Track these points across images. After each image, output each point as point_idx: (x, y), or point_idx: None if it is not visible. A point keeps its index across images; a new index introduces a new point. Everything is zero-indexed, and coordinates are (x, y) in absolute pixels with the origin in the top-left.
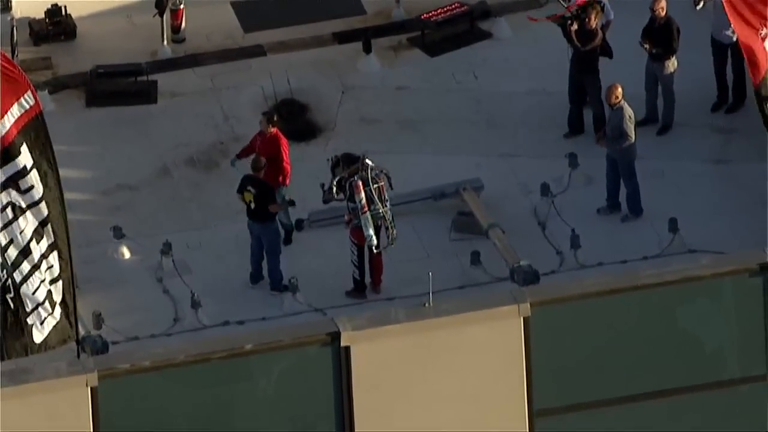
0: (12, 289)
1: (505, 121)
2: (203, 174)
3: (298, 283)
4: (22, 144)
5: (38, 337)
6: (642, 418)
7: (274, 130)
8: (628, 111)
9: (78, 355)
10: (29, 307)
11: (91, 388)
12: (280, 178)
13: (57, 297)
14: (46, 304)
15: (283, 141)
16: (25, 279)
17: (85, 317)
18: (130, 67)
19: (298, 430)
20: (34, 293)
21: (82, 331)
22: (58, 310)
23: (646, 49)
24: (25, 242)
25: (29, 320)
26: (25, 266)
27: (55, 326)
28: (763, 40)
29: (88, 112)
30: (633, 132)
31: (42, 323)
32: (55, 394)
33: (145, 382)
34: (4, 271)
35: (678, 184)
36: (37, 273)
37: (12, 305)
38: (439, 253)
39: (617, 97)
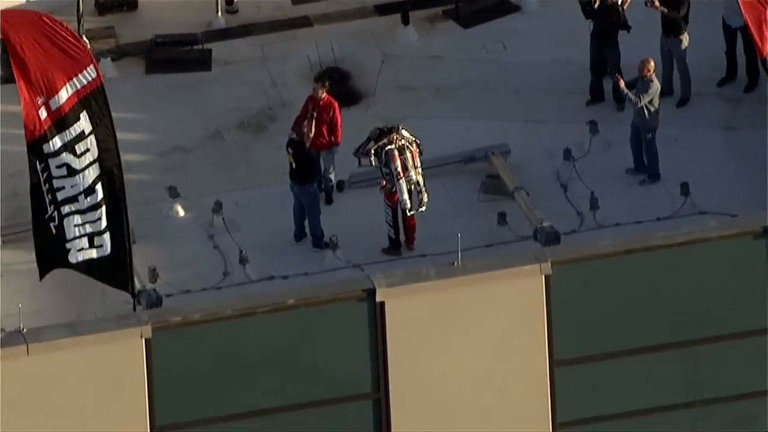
0: (57, 219)
1: (531, 89)
2: (252, 137)
3: (338, 241)
4: (82, 111)
5: (73, 258)
6: (653, 367)
7: (326, 95)
8: (657, 85)
9: (134, 308)
10: (69, 236)
11: (146, 340)
12: (334, 138)
13: (98, 242)
14: (85, 239)
15: (335, 104)
16: (74, 225)
17: (140, 271)
18: (186, 36)
19: (336, 381)
20: (76, 238)
21: (138, 285)
22: (99, 251)
23: (654, 7)
24: (75, 193)
25: (68, 245)
26: (75, 218)
27: (94, 260)
28: None
29: (147, 79)
30: (658, 104)
31: (79, 251)
32: (111, 345)
33: (195, 333)
34: (55, 211)
35: (690, 150)
36: (86, 225)
37: (54, 231)
38: (469, 213)
39: (649, 71)
